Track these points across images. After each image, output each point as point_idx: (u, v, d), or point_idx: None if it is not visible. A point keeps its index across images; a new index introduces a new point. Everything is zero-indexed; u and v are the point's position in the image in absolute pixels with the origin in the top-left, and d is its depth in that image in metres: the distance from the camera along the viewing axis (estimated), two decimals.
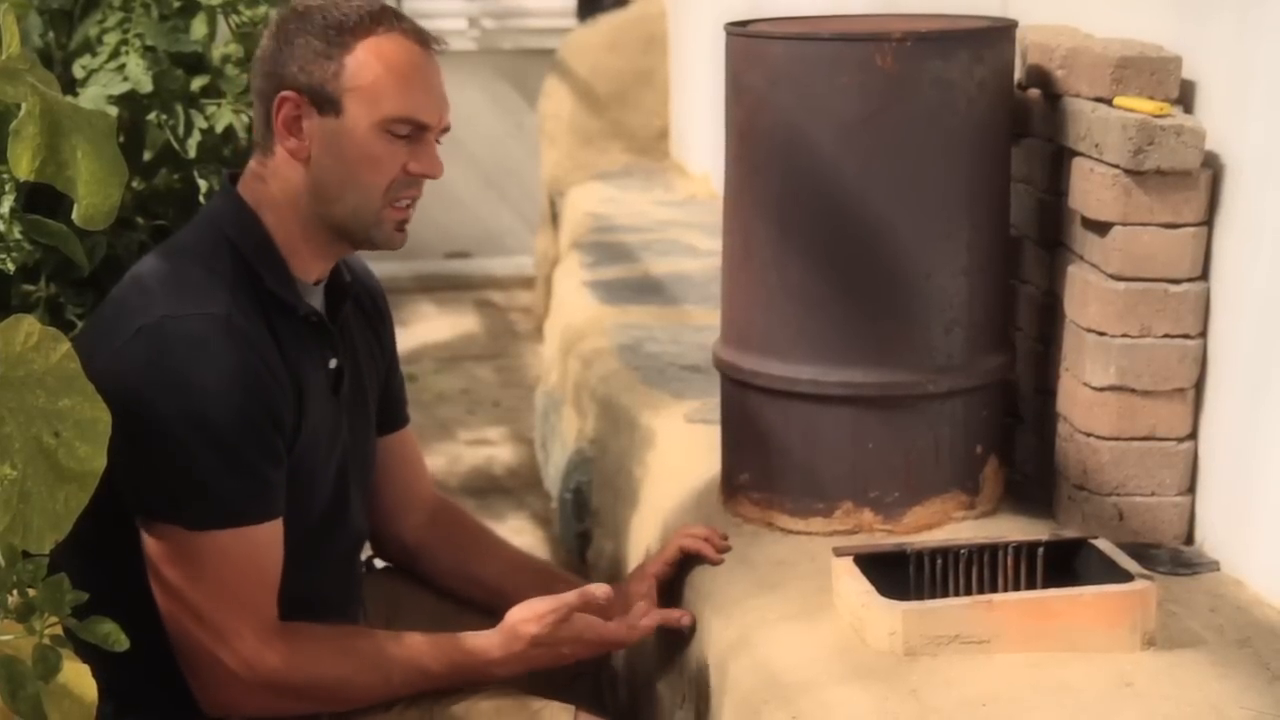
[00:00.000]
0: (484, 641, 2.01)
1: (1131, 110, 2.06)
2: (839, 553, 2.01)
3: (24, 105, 1.38)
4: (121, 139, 2.53)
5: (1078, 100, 2.18)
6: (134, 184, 2.67)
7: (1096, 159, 2.11)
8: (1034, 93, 2.32)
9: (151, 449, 1.83)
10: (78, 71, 2.64)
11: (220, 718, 1.95)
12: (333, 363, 2.04)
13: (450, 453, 4.70)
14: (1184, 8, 2.16)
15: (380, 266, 2.42)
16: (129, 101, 2.59)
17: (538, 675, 2.08)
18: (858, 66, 2.12)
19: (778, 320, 2.24)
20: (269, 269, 1.96)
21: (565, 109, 5.73)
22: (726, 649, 2.04)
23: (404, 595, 2.30)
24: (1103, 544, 1.98)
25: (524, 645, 2.00)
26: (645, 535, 2.66)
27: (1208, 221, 2.09)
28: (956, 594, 1.98)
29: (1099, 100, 2.14)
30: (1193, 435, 2.14)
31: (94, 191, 1.41)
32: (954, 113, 2.15)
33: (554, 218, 5.53)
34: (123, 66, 2.60)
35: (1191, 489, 2.16)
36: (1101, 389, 2.13)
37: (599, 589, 2.05)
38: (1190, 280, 2.09)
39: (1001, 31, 2.23)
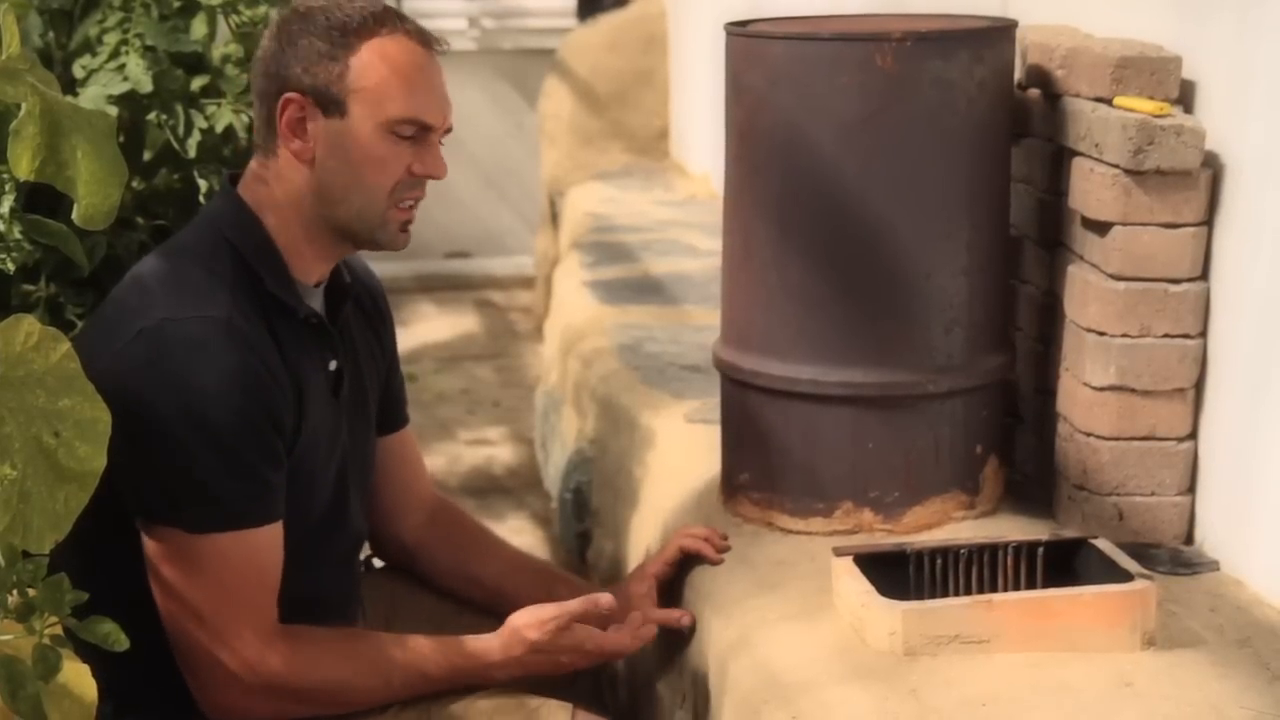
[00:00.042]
0: (484, 645, 2.00)
1: (1131, 110, 2.06)
2: (839, 553, 2.01)
3: (24, 105, 1.37)
4: (121, 139, 2.53)
5: (1078, 100, 2.18)
6: (134, 184, 2.66)
7: (1096, 159, 2.11)
8: (1034, 93, 2.32)
9: (152, 451, 1.83)
10: (78, 71, 2.64)
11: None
12: (333, 364, 2.04)
13: (450, 453, 4.70)
14: (1184, 8, 2.16)
15: (380, 266, 2.42)
16: (129, 101, 2.58)
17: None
18: (858, 66, 2.12)
19: (778, 320, 2.24)
20: (269, 271, 1.95)
21: (565, 109, 5.72)
22: (726, 649, 2.04)
23: (403, 595, 2.30)
24: (1103, 544, 1.98)
25: (524, 650, 2.00)
26: (645, 535, 2.66)
27: (1208, 221, 2.09)
28: (956, 594, 1.98)
29: (1099, 100, 2.14)
30: (1193, 435, 2.14)
31: (94, 191, 1.41)
32: (954, 113, 2.15)
33: (554, 218, 5.53)
34: (123, 66, 2.59)
35: (1191, 489, 2.16)
36: (1101, 389, 2.13)
37: (603, 598, 2.05)
38: (1190, 280, 2.09)
39: (1001, 31, 2.23)
